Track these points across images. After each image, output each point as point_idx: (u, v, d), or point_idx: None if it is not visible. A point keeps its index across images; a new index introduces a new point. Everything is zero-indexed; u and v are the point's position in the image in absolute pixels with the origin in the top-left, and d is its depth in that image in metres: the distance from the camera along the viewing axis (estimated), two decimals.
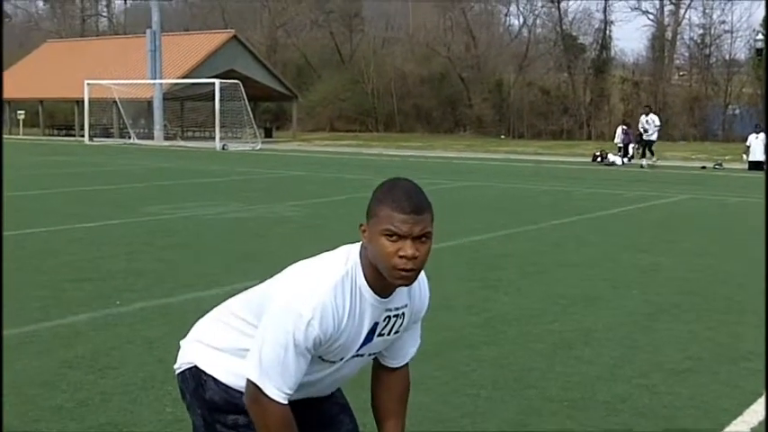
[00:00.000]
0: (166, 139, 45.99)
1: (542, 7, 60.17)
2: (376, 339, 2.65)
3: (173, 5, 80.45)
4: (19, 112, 54.02)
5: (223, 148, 39.06)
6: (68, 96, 51.79)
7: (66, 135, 53.21)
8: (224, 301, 2.93)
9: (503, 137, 53.28)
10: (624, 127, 32.88)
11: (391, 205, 2.46)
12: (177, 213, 14.44)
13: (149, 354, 6.08)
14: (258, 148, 40.25)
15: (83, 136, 46.76)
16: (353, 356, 2.64)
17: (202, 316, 2.95)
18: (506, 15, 67.70)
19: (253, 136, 43.10)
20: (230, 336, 2.69)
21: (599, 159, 31.59)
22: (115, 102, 46.87)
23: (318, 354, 2.55)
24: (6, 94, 56.61)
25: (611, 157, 31.12)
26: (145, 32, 47.95)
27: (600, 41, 56.97)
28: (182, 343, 2.85)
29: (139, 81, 45.69)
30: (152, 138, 45.84)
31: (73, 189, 19.34)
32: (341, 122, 63.01)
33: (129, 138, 46.08)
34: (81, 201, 16.69)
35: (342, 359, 2.62)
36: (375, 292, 2.56)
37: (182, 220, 13.68)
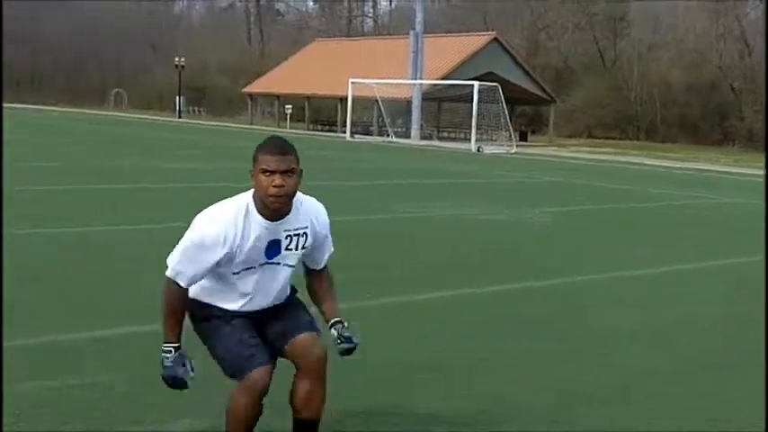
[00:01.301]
0: (422, 138, 46.73)
1: None
2: (284, 252, 3.67)
3: (435, 6, 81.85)
4: (287, 106, 56.82)
5: (478, 150, 39.13)
6: (333, 94, 53.84)
7: (328, 131, 55.38)
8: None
9: None
10: None
11: (264, 151, 3.50)
12: (426, 212, 14.46)
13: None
14: (513, 151, 40.01)
15: (344, 132, 48.43)
16: (268, 263, 3.66)
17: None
18: None
19: (508, 139, 42.91)
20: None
21: None
22: (377, 100, 48.17)
23: (231, 266, 3.59)
24: (276, 90, 59.85)
25: None
26: (407, 33, 48.96)
27: None
28: None
29: (401, 81, 46.68)
30: (409, 137, 46.72)
31: (332, 183, 19.93)
32: (599, 129, 61.47)
33: (388, 136, 47.21)
34: (341, 194, 17.15)
35: (257, 266, 3.63)
36: (264, 217, 3.56)
37: (430, 219, 13.68)
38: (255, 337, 3.68)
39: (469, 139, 41.83)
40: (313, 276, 3.95)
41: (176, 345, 3.62)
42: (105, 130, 40.63)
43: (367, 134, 49.83)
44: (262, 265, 3.64)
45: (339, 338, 3.78)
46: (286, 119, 56.65)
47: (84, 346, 5.73)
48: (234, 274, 3.63)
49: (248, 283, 3.67)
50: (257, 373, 3.55)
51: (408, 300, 7.64)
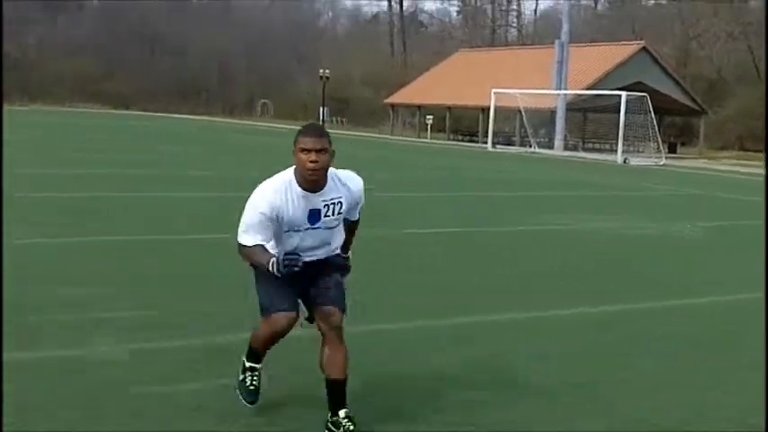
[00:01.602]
0: (566, 149, 46.08)
1: None
2: (324, 218, 4.43)
3: (581, 16, 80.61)
4: (428, 117, 57.02)
5: (624, 162, 38.27)
6: (475, 104, 53.73)
7: (469, 141, 55.27)
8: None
9: None
10: None
11: (303, 134, 4.37)
12: (571, 226, 14.24)
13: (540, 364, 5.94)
14: (661, 163, 38.95)
15: (485, 143, 48.26)
16: (311, 228, 4.43)
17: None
18: None
19: (656, 150, 41.81)
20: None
21: None
22: (519, 111, 47.80)
23: (281, 226, 4.37)
24: (417, 100, 60.20)
25: None
26: (552, 43, 48.41)
27: None
28: None
29: (545, 91, 46.18)
30: (552, 148, 46.15)
31: (473, 193, 19.90)
32: (751, 141, 58.99)
33: (530, 146, 46.76)
34: (481, 205, 17.10)
35: (302, 229, 4.41)
36: (303, 189, 4.35)
37: (578, 233, 13.47)
38: (291, 290, 4.43)
39: (615, 151, 40.94)
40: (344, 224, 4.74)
41: (275, 257, 4.28)
42: (252, 140, 41.78)
43: (509, 144, 49.48)
44: (306, 229, 4.41)
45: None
46: (427, 129, 56.90)
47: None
48: (285, 232, 4.42)
49: (295, 241, 4.43)
50: (279, 316, 4.41)
51: (549, 315, 7.54)
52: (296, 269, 4.15)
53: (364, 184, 4.63)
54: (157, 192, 15.68)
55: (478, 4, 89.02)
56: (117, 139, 35.45)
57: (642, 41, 53.28)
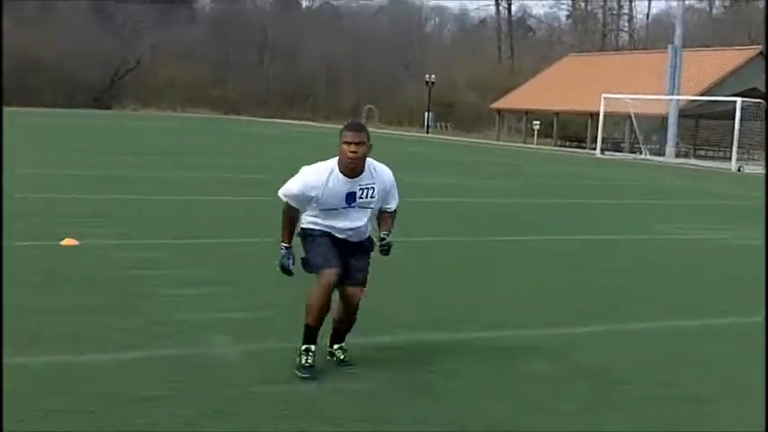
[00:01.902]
0: (678, 156, 44.99)
1: None
2: (359, 200, 5.38)
3: (695, 20, 78.60)
4: (534, 122, 56.45)
5: (738, 170, 37.12)
6: (583, 109, 52.98)
7: (576, 147, 54.46)
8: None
9: None
10: None
11: (346, 129, 5.34)
12: (688, 235, 13.88)
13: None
14: None
15: (593, 149, 47.50)
16: (348, 207, 5.37)
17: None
18: None
19: None
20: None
21: None
22: (629, 116, 46.89)
23: (319, 204, 5.34)
24: (524, 105, 59.68)
25: None
26: (665, 48, 47.35)
27: None
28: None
29: (657, 97, 45.19)
30: (663, 154, 45.11)
31: (581, 201, 19.61)
32: None
33: (640, 153, 45.80)
34: (582, 212, 16.84)
35: (339, 208, 5.36)
36: (344, 175, 5.30)
37: (693, 242, 13.12)
38: (335, 252, 5.41)
39: (729, 158, 39.74)
40: (382, 213, 5.67)
41: (288, 246, 5.53)
42: None
43: (617, 151, 48.59)
44: (344, 207, 5.39)
45: (379, 241, 5.54)
46: (533, 135, 56.35)
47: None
48: (323, 210, 5.39)
49: (334, 217, 5.43)
50: (329, 272, 5.32)
51: (668, 325, 7.35)
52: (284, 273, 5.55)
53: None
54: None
55: (589, 8, 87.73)
56: (229, 143, 36.25)
57: (759, 46, 51.58)
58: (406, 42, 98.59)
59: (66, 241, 9.43)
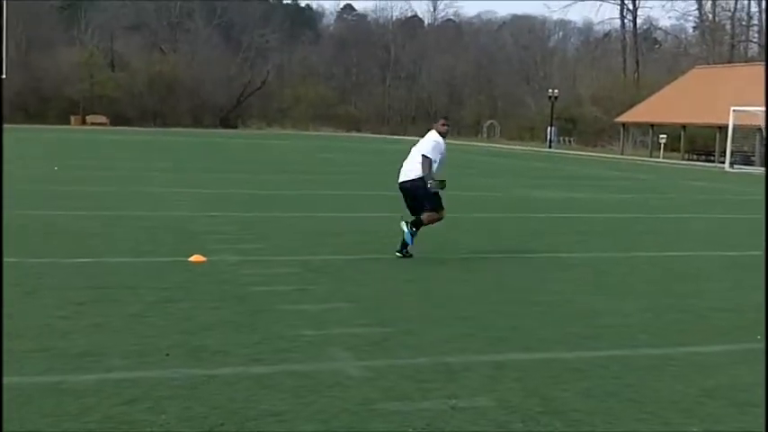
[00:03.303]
0: None
1: None
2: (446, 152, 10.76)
3: None
4: (661, 135, 55.16)
5: None
6: (711, 122, 51.49)
7: (705, 161, 52.95)
8: None
9: None
10: None
11: (441, 116, 11.09)
12: None
13: None
14: None
15: (722, 162, 46.06)
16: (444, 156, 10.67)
17: None
18: None
19: None
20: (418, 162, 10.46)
21: None
22: (759, 129, 45.28)
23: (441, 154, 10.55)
24: (650, 119, 58.39)
25: None
26: None
27: None
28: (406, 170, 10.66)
29: None
30: None
31: (714, 216, 19.05)
32: None
33: None
34: (720, 228, 16.35)
35: (445, 157, 10.66)
36: (443, 137, 10.61)
37: None
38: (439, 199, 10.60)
39: None
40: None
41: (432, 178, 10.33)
42: (497, 162, 42.03)
43: (747, 164, 46.97)
44: (445, 156, 10.63)
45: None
46: (659, 148, 55.04)
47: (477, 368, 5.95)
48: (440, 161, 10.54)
49: (441, 164, 10.55)
50: (442, 212, 10.55)
51: None
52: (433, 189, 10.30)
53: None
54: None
55: (717, 19, 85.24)
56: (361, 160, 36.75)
57: None
58: (529, 57, 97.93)
59: (194, 258, 9.73)
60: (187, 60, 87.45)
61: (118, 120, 77.23)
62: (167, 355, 5.92)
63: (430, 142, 10.34)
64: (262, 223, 13.69)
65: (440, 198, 10.41)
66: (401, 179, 10.59)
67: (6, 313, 6.39)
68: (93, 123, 76.98)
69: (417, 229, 10.40)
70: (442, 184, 10.31)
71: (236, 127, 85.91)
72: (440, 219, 10.53)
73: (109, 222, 12.85)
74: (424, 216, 10.35)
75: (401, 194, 10.64)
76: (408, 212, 10.58)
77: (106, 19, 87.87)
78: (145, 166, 26.39)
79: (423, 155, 10.26)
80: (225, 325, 6.85)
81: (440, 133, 10.44)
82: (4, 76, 33.04)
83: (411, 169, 10.46)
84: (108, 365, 5.64)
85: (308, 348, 6.25)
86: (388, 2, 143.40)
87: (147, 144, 44.01)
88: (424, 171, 10.20)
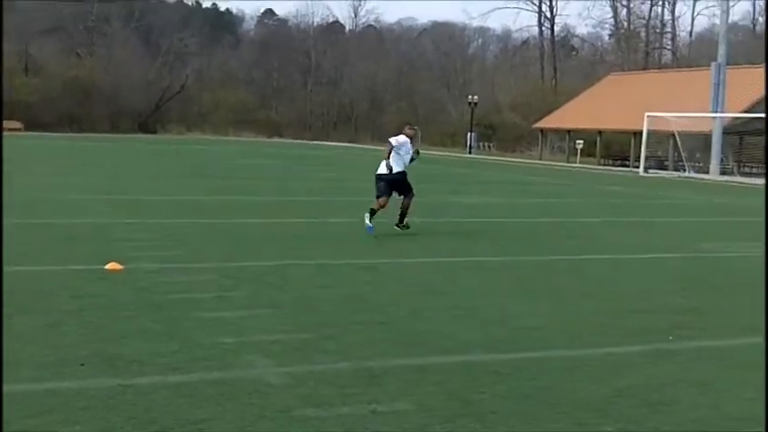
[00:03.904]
0: (722, 173, 44.50)
1: None
2: (410, 152, 14.07)
3: (738, 37, 77.84)
4: (578, 141, 56.25)
5: None
6: (626, 128, 52.69)
7: (620, 165, 54.16)
8: None
9: None
10: None
11: (408, 125, 14.80)
12: (735, 252, 13.72)
13: (702, 396, 5.74)
14: None
15: (637, 167, 47.16)
16: (406, 154, 13.96)
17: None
18: None
19: None
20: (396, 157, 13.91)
21: None
22: (673, 134, 46.53)
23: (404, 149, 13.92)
24: (568, 125, 59.49)
25: None
26: (708, 65, 46.98)
27: None
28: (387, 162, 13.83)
29: (700, 114, 44.80)
30: (707, 172, 44.66)
31: (628, 219, 19.46)
32: None
33: (684, 171, 45.40)
34: (635, 231, 16.71)
35: (401, 152, 13.87)
36: (409, 139, 14.09)
37: (739, 260, 12.98)
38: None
39: None
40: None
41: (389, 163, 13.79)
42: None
43: (661, 169, 48.23)
44: (406, 152, 13.88)
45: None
46: (576, 154, 56.10)
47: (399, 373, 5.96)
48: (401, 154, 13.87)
49: (404, 157, 13.90)
50: (383, 200, 13.76)
51: (720, 344, 7.29)
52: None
53: None
54: (337, 218, 16.09)
55: (632, 27, 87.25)
56: (281, 166, 36.55)
57: None
58: (449, 64, 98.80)
59: (111, 265, 9.57)
60: (104, 64, 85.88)
61: (33, 125, 75.44)
62: (82, 365, 5.82)
63: (399, 137, 13.94)
64: (180, 230, 13.52)
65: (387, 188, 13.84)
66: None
67: None
68: (7, 129, 75.03)
69: (372, 213, 13.79)
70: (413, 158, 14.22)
71: (155, 132, 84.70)
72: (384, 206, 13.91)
73: (24, 230, 12.55)
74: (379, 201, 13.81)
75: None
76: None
77: (21, 22, 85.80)
78: (60, 172, 25.84)
79: (389, 140, 13.98)
80: (142, 334, 6.75)
81: (407, 136, 14.00)
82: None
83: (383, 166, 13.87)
84: (22, 376, 5.51)
85: (226, 356, 6.20)
86: (310, 5, 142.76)
87: (62, 150, 43.08)
88: (390, 168, 13.70)
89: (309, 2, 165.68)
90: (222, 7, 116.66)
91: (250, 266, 10.22)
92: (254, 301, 8.19)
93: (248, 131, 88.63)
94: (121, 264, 9.68)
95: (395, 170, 13.66)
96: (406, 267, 10.74)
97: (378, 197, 13.68)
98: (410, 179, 13.99)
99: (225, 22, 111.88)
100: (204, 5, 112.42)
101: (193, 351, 6.27)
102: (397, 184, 13.82)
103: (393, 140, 13.75)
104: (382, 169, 13.69)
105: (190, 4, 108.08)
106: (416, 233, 14.12)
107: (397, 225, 13.91)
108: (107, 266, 9.54)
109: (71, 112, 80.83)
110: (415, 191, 13.98)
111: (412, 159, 13.97)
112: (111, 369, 5.76)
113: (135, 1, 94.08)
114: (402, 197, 13.95)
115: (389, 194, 13.75)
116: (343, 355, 6.34)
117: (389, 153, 13.59)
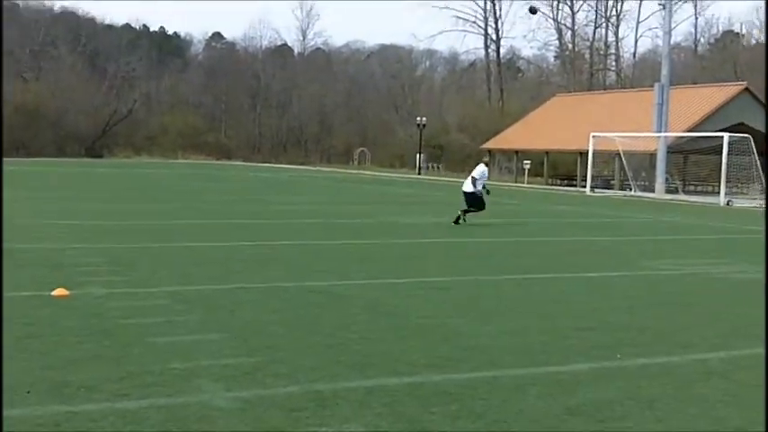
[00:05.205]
0: (667, 192, 45.26)
1: None
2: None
3: (681, 58, 79.37)
4: (525, 162, 56.84)
5: (727, 204, 37.36)
6: (572, 148, 53.37)
7: (567, 185, 54.80)
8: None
9: None
10: None
11: (484, 158, 24.32)
12: (680, 270, 13.96)
13: (650, 412, 5.83)
14: None
15: (584, 187, 47.77)
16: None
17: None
18: None
19: (761, 192, 40.69)
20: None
21: None
22: (618, 154, 47.25)
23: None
24: (514, 145, 60.09)
25: None
26: (652, 86, 47.85)
27: None
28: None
29: (644, 134, 45.59)
30: (653, 190, 45.39)
31: (573, 238, 19.69)
32: None
33: (630, 190, 46.09)
34: (581, 250, 16.91)
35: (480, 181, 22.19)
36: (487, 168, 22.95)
37: (684, 277, 13.20)
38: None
39: (718, 193, 40.00)
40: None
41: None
42: (373, 189, 42.24)
43: (607, 188, 48.91)
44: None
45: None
46: (524, 174, 56.68)
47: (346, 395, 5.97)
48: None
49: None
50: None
51: (666, 361, 7.40)
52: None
53: None
54: (295, 240, 16.03)
55: (577, 48, 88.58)
56: (240, 188, 36.36)
57: (744, 82, 52.20)
58: (397, 86, 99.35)
59: (58, 291, 9.46)
60: (51, 89, 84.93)
61: None
62: (28, 392, 5.74)
63: (480, 168, 22.13)
64: (130, 254, 13.40)
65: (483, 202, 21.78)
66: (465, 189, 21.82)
67: None
68: None
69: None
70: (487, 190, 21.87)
71: (101, 156, 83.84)
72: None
73: None
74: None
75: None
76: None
77: None
78: (6, 197, 25.43)
79: (473, 177, 21.64)
80: (90, 360, 6.68)
81: (485, 164, 22.47)
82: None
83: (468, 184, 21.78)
84: None
85: (176, 381, 6.16)
86: (258, 28, 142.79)
87: (9, 174, 42.42)
88: (475, 187, 21.46)
89: (257, 25, 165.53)
90: (170, 31, 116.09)
91: (201, 290, 10.17)
92: (205, 325, 8.15)
93: (198, 154, 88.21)
94: (70, 290, 9.58)
95: (471, 190, 21.53)
96: (355, 288, 10.76)
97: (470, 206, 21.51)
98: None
99: (172, 45, 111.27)
100: (152, 29, 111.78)
101: (143, 377, 6.22)
102: (472, 197, 21.55)
103: (476, 174, 21.69)
104: (468, 188, 21.55)
105: (137, 27, 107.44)
106: (367, 254, 14.13)
107: (458, 218, 21.07)
108: (54, 293, 9.43)
109: (17, 136, 79.70)
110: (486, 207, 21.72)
111: (488, 192, 21.96)
112: (58, 396, 5.70)
113: (81, 25, 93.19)
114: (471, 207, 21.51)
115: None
116: (294, 378, 6.33)
117: (474, 181, 21.51)
